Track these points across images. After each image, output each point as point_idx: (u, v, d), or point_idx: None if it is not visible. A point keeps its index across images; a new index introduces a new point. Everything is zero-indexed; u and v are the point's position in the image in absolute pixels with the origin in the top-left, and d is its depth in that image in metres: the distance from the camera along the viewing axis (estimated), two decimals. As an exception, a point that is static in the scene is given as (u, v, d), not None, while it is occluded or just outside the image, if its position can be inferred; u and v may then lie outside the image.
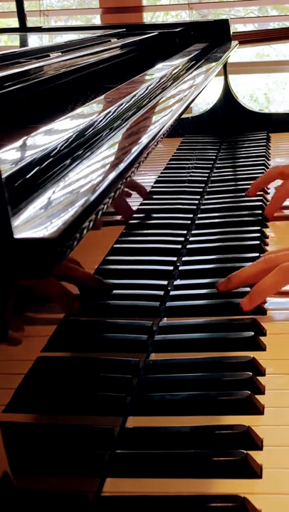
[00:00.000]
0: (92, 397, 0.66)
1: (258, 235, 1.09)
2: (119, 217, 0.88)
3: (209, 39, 1.70)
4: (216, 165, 1.50)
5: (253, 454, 0.62)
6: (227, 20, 1.82)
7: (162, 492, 0.59)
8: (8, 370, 0.52)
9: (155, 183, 1.15)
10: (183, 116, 0.93)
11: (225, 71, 1.78)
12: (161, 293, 0.88)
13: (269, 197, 1.28)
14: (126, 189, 0.87)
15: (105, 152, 0.65)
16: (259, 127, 1.78)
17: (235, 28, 3.18)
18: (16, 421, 0.53)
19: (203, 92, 1.15)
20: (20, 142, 0.61)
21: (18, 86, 0.86)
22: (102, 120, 0.73)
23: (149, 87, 0.96)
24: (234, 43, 1.75)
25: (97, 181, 0.55)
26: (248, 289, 0.88)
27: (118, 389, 0.69)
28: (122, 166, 0.60)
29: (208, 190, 1.33)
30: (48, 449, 0.56)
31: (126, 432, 0.66)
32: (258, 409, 0.68)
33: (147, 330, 0.80)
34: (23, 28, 1.76)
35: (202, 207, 1.23)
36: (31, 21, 2.40)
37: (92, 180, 0.56)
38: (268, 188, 1.31)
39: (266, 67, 3.27)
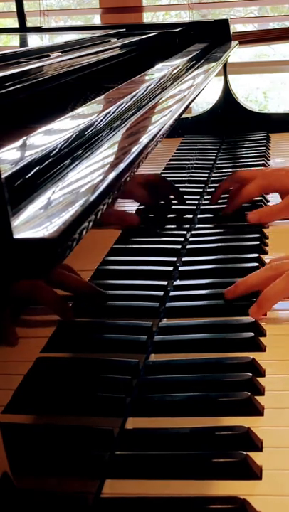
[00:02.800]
0: (92, 398, 0.66)
1: (258, 235, 1.09)
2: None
3: (209, 39, 1.70)
4: (216, 165, 1.50)
5: (253, 455, 0.61)
6: (227, 20, 1.82)
7: (162, 493, 0.59)
8: (7, 371, 0.52)
9: (155, 183, 1.15)
10: (183, 116, 0.93)
11: (225, 71, 1.78)
12: (161, 293, 0.87)
13: (268, 197, 1.28)
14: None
15: (105, 152, 0.65)
16: (259, 127, 1.78)
17: (235, 28, 3.17)
18: (16, 422, 0.53)
19: (203, 92, 1.15)
20: (20, 142, 0.61)
21: (18, 86, 0.86)
22: (102, 120, 0.73)
23: (149, 87, 0.96)
24: (234, 43, 1.75)
25: (96, 181, 0.55)
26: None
27: (118, 390, 0.69)
28: (121, 166, 0.60)
29: (208, 190, 1.33)
30: (48, 450, 0.56)
31: (125, 433, 0.66)
32: (257, 411, 0.68)
33: (147, 330, 0.80)
34: (23, 28, 1.76)
35: (202, 207, 1.23)
36: (31, 21, 2.39)
37: (92, 180, 0.55)
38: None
39: (265, 67, 3.27)
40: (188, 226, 1.13)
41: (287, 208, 1.15)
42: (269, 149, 1.64)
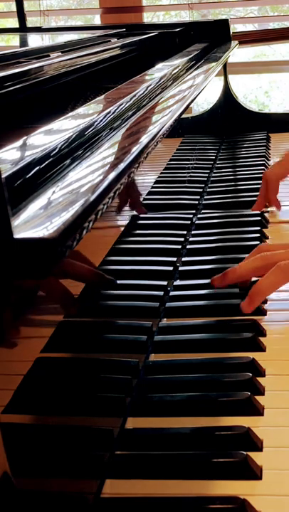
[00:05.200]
0: (92, 398, 0.66)
1: (258, 235, 1.09)
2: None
3: (209, 39, 1.70)
4: (216, 165, 1.50)
5: (253, 455, 0.61)
6: (227, 20, 1.82)
7: (162, 493, 0.59)
8: (7, 371, 0.52)
9: (155, 183, 1.16)
10: (183, 116, 0.93)
11: (225, 71, 1.78)
12: (161, 293, 0.87)
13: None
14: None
15: (105, 152, 0.65)
16: (259, 127, 1.78)
17: (235, 28, 3.17)
18: (16, 422, 0.53)
19: (203, 92, 1.15)
20: (20, 142, 0.61)
21: (18, 86, 0.86)
22: (102, 120, 0.73)
23: (149, 87, 0.96)
24: (234, 43, 1.75)
25: (97, 181, 0.55)
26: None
27: (118, 390, 0.69)
28: (121, 166, 0.60)
29: (208, 190, 1.33)
30: (48, 450, 0.56)
31: (125, 433, 0.66)
32: (257, 410, 0.68)
33: (147, 330, 0.80)
34: (23, 28, 1.76)
35: (202, 207, 1.23)
36: (31, 21, 2.39)
37: (92, 180, 0.55)
38: None
39: (265, 67, 3.27)
40: (188, 226, 1.13)
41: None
42: (269, 149, 1.64)
